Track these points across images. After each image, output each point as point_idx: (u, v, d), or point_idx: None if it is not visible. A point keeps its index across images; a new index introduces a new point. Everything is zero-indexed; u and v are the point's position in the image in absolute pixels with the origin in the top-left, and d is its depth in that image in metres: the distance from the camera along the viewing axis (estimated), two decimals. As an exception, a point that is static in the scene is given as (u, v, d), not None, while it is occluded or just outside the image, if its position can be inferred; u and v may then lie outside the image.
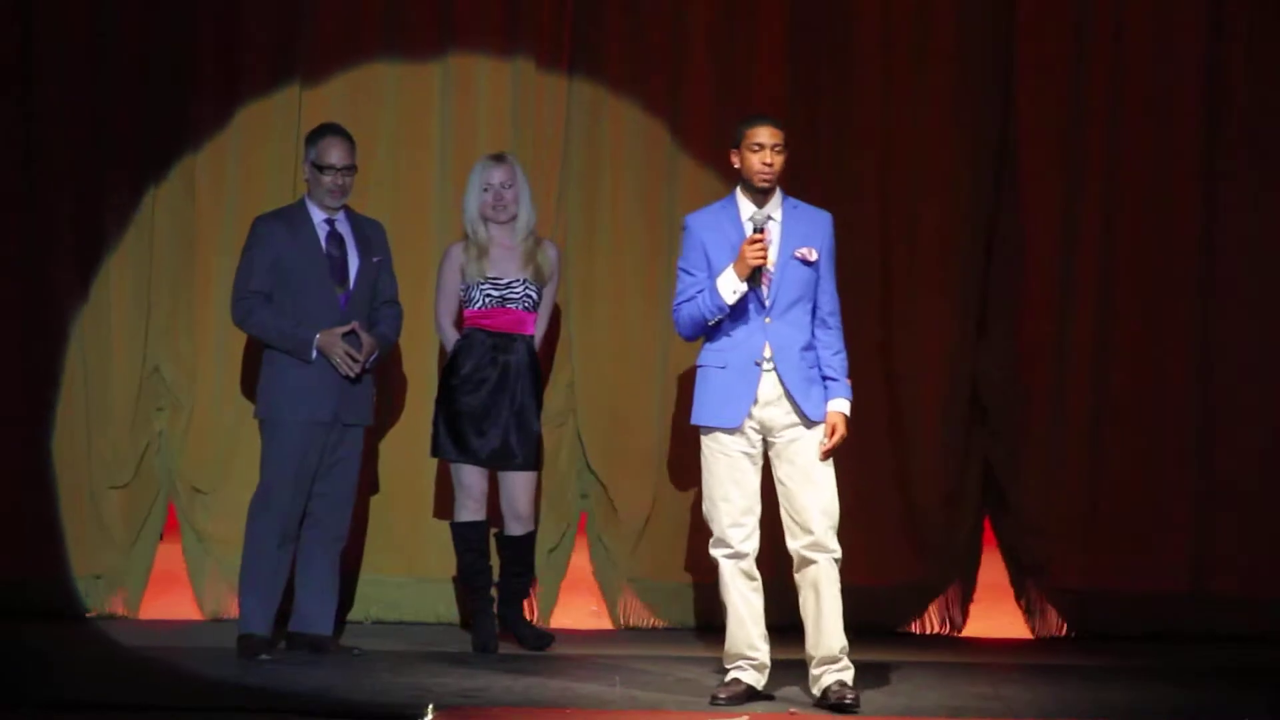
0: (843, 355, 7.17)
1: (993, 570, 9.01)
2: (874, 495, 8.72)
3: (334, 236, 8.05)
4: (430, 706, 6.70)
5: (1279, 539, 8.90)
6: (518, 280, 8.24)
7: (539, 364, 8.34)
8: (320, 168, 7.99)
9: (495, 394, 8.19)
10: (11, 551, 8.75)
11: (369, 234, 8.13)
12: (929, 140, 8.97)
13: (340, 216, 8.08)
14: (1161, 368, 8.97)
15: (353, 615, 8.81)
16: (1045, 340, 8.96)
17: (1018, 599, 8.95)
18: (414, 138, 8.93)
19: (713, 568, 8.71)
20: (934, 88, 8.98)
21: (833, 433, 7.04)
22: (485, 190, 8.25)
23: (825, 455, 7.02)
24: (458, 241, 8.35)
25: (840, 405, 7.09)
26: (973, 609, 8.96)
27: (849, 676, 7.08)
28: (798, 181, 8.77)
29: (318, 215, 8.05)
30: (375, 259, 8.10)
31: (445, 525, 8.41)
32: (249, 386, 8.56)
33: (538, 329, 8.34)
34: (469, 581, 8.30)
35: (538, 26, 8.91)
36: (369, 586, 8.86)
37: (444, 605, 8.87)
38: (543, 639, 8.30)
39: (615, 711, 7.01)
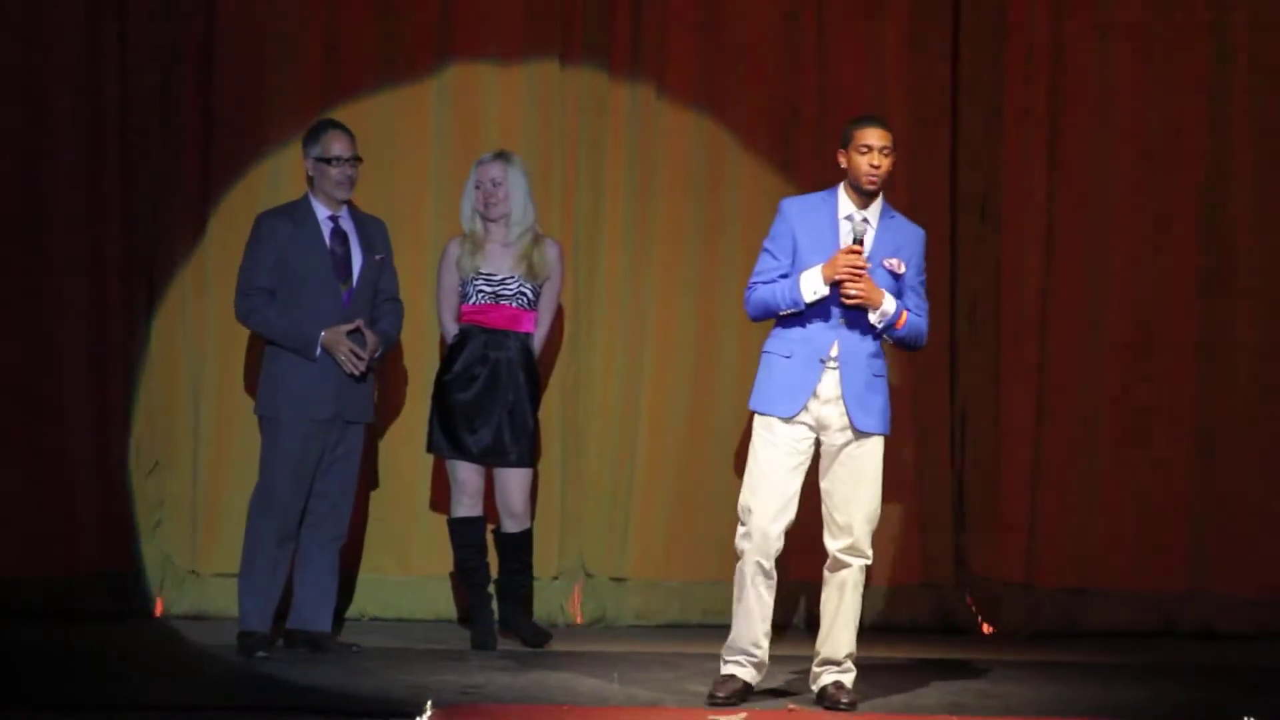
0: (924, 323, 7.12)
1: (990, 567, 8.99)
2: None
3: (337, 233, 8.04)
4: (429, 703, 6.69)
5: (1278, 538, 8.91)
6: (511, 277, 8.23)
7: (535, 361, 8.33)
8: (326, 160, 7.99)
9: (487, 390, 8.19)
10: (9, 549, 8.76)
11: (372, 231, 8.13)
12: (916, 131, 8.96)
13: (344, 213, 8.07)
14: (1158, 366, 8.97)
15: (351, 612, 8.80)
16: (1029, 338, 8.95)
17: (1010, 597, 8.95)
18: (411, 135, 8.92)
19: (710, 565, 8.79)
20: (923, 73, 8.97)
21: (865, 284, 6.93)
22: (478, 187, 8.26)
23: (843, 266, 6.92)
24: (455, 237, 8.35)
25: (893, 301, 7.01)
26: (970, 606, 8.94)
27: (848, 680, 7.08)
28: (792, 167, 8.86)
29: (321, 212, 8.04)
30: (378, 256, 8.10)
31: (443, 522, 8.41)
32: (250, 386, 8.57)
33: (539, 328, 8.33)
34: (466, 578, 8.30)
35: (549, 26, 8.90)
36: (367, 584, 8.85)
37: (442, 602, 8.87)
38: (541, 635, 8.29)
39: (614, 708, 7.00)
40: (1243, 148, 8.97)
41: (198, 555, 8.84)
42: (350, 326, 7.93)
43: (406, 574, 8.87)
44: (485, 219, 8.27)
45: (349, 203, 8.09)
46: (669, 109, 8.96)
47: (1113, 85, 8.98)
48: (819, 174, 8.81)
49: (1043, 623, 8.90)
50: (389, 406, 8.83)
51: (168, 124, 8.85)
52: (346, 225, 8.07)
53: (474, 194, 8.27)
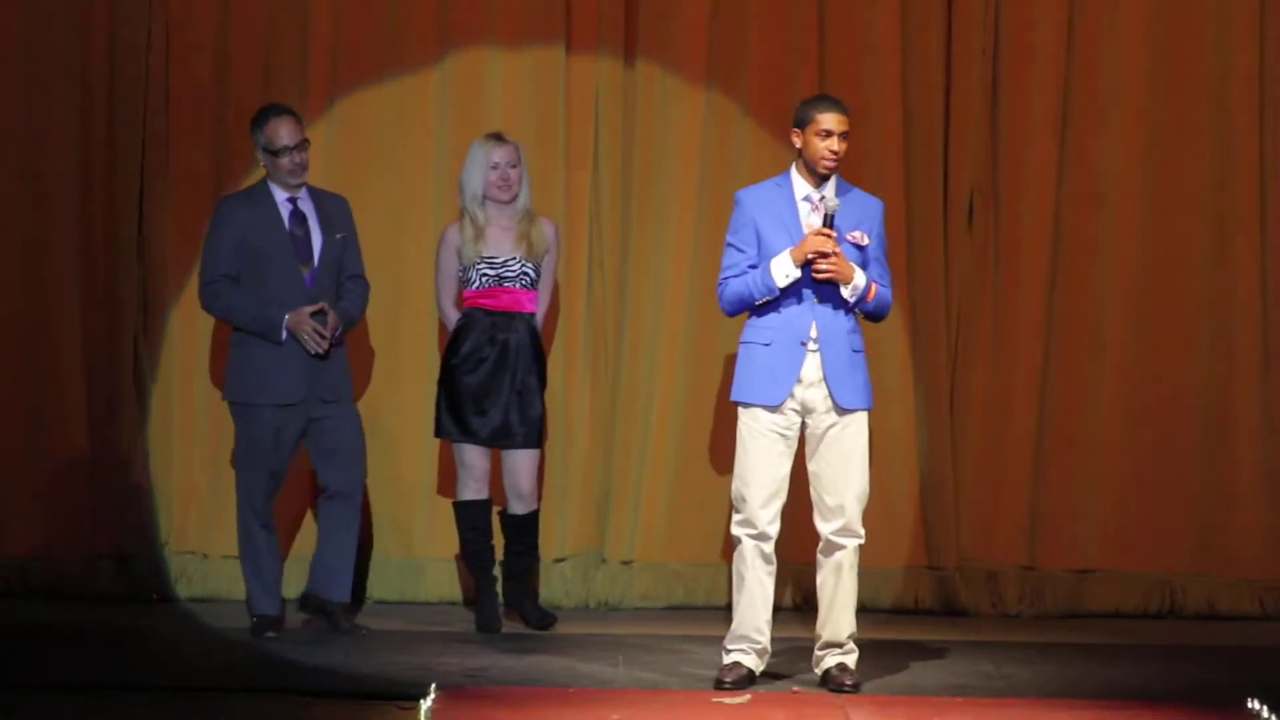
0: (889, 293, 7.13)
1: (993, 548, 8.98)
2: (874, 474, 8.71)
3: (296, 215, 8.04)
4: (433, 686, 6.71)
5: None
6: (513, 258, 8.23)
7: (541, 342, 8.34)
8: (274, 152, 7.97)
9: (495, 373, 8.19)
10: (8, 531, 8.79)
11: (332, 210, 8.11)
12: (912, 112, 8.95)
13: (303, 194, 8.06)
14: (1161, 346, 8.96)
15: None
16: (1031, 320, 8.93)
17: (1013, 579, 8.94)
18: (414, 122, 8.91)
19: (715, 548, 8.79)
20: (919, 54, 8.96)
21: (833, 257, 6.93)
22: (493, 168, 8.23)
23: (813, 249, 6.93)
24: (453, 223, 8.33)
25: (862, 275, 7.02)
26: (971, 589, 8.93)
27: (851, 661, 7.09)
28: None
29: (279, 195, 8.04)
30: (339, 235, 8.08)
31: (448, 505, 8.42)
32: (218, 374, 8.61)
33: (539, 306, 8.34)
34: (471, 561, 8.31)
35: (552, 10, 8.88)
36: (372, 567, 8.85)
37: (446, 584, 8.87)
38: (546, 618, 8.30)
39: (618, 690, 7.02)
40: (1248, 130, 8.94)
41: (208, 537, 8.85)
42: (315, 308, 7.93)
43: (410, 556, 8.88)
44: (496, 201, 8.24)
45: (307, 183, 8.08)
46: (674, 91, 8.93)
47: (1118, 68, 8.96)
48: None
49: (1046, 604, 8.90)
50: (392, 390, 8.83)
51: (171, 117, 8.84)
52: (305, 206, 8.07)
53: (483, 175, 8.21)
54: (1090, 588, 8.90)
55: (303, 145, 8.00)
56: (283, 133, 7.95)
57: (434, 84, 8.91)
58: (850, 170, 8.58)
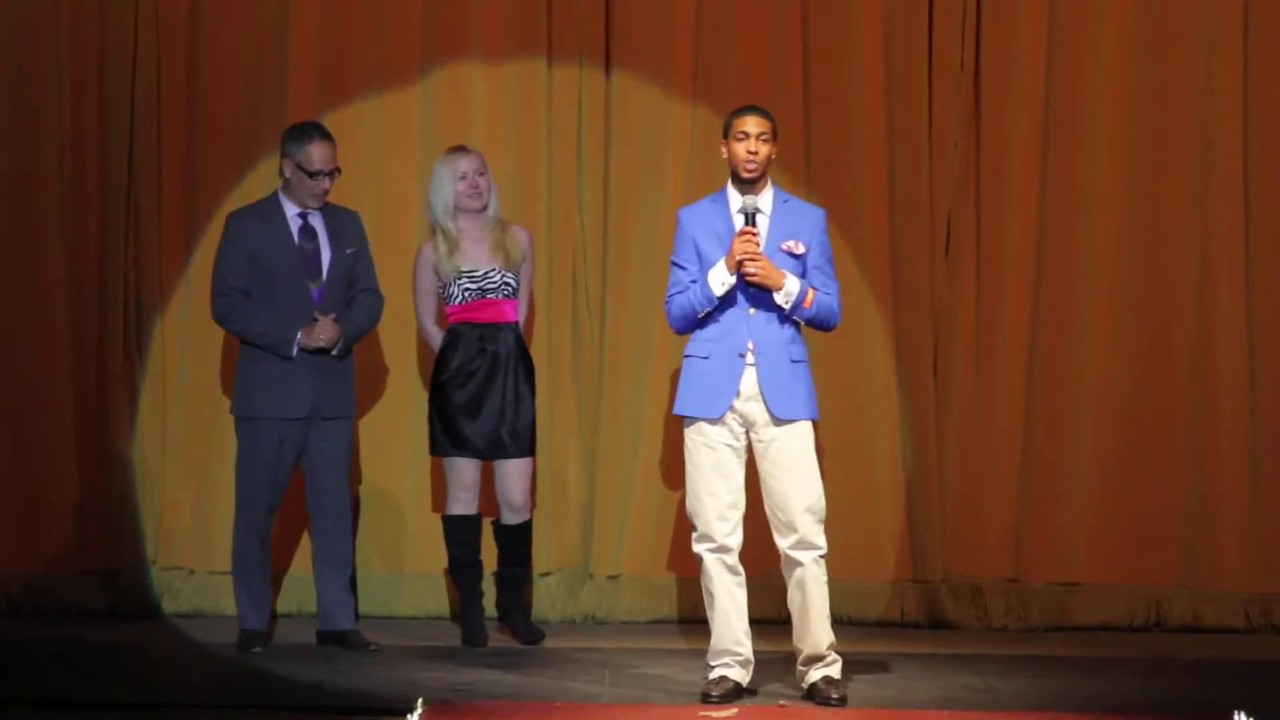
0: (834, 301, 7.11)
1: (979, 562, 8.99)
2: (859, 489, 8.73)
3: (306, 230, 8.05)
4: (419, 701, 6.71)
5: (1269, 533, 8.91)
6: (492, 269, 8.23)
7: (528, 351, 8.34)
8: (308, 173, 7.98)
9: (486, 384, 8.19)
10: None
11: (343, 225, 8.12)
12: (902, 121, 8.96)
13: (313, 209, 8.08)
14: (1146, 360, 8.97)
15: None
16: (1016, 333, 8.94)
17: (998, 592, 8.95)
18: (397, 135, 8.92)
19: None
20: (902, 66, 8.97)
21: (764, 263, 6.96)
22: (461, 178, 8.23)
23: (739, 253, 6.95)
24: (426, 242, 8.34)
25: (796, 281, 7.02)
26: (956, 602, 8.93)
27: (835, 672, 7.09)
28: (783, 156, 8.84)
29: (290, 209, 8.05)
30: (349, 250, 8.09)
31: (435, 519, 8.42)
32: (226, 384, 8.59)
33: (520, 314, 8.34)
34: (459, 575, 8.30)
35: (534, 23, 8.89)
36: (358, 581, 8.85)
37: (433, 598, 8.87)
38: (535, 634, 8.29)
39: (604, 705, 7.01)
40: (1234, 133, 8.95)
41: (194, 553, 8.84)
42: (323, 323, 7.96)
43: (397, 570, 8.87)
44: (467, 211, 8.24)
45: None
46: (657, 105, 8.95)
47: (1100, 80, 8.97)
48: (818, 164, 8.81)
49: (1031, 617, 8.91)
50: (378, 405, 8.83)
51: (159, 134, 8.84)
52: (315, 221, 8.08)
53: (451, 187, 8.21)
54: (1076, 601, 8.90)
55: (335, 173, 8.02)
56: (318, 158, 7.98)
57: (417, 99, 8.93)
58: (833, 183, 8.67)
